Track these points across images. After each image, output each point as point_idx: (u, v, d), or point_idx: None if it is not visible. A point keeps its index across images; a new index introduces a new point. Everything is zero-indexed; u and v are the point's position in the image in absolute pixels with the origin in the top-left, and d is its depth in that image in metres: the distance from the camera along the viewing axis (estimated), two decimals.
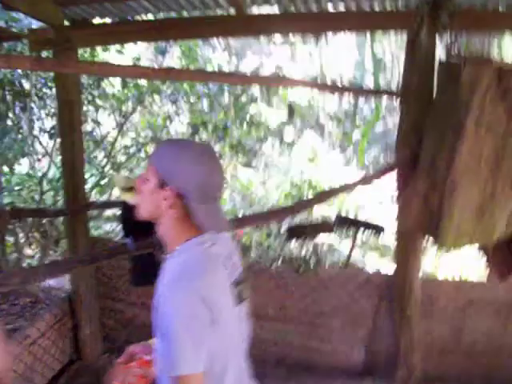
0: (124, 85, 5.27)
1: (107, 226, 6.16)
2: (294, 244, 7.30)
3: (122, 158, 6.00)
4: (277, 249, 7.80)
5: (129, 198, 2.21)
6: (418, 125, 3.44)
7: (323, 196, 3.29)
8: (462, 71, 3.04)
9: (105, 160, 5.91)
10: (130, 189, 2.21)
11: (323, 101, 7.26)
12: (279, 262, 7.15)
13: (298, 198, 8.55)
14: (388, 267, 7.54)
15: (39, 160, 6.29)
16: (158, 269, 2.50)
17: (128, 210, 2.27)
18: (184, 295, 1.62)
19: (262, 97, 6.07)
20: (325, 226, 3.62)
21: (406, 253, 3.66)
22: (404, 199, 3.40)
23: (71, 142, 3.92)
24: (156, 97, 5.76)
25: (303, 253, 7.47)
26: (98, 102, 5.42)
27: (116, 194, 5.92)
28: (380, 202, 9.91)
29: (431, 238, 3.39)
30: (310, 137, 9.70)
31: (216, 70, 5.58)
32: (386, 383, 3.88)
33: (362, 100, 5.64)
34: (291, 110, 6.03)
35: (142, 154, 6.22)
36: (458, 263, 5.73)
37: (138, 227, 2.30)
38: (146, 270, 2.44)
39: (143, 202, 1.79)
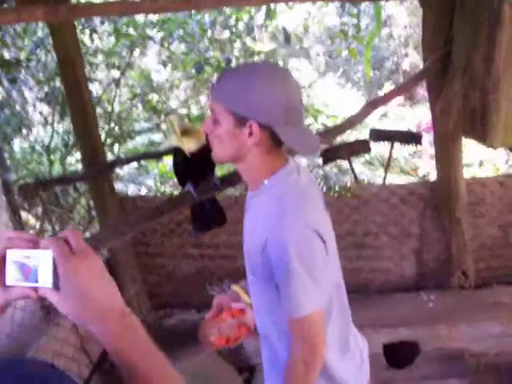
0: (117, 35, 5.01)
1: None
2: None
3: (123, 113, 5.79)
4: None
5: (185, 143, 2.03)
6: (444, 23, 3.27)
7: (352, 121, 3.12)
8: None
9: (105, 118, 5.69)
10: (185, 132, 2.04)
11: (320, 19, 7.01)
12: None
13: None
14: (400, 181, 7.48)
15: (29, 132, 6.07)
16: (221, 212, 2.40)
17: (181, 156, 2.12)
18: (298, 231, 1.50)
19: (252, 26, 5.83)
20: (361, 145, 3.47)
21: (448, 155, 3.56)
22: (442, 102, 3.25)
23: (80, 102, 3.72)
24: (148, 44, 5.51)
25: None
26: (91, 58, 5.18)
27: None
28: (382, 114, 9.74)
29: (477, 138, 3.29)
30: (304, 62, 9.45)
31: None
32: (443, 291, 3.85)
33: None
34: (287, 36, 5.77)
35: (139, 106, 6.02)
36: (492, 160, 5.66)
37: (194, 172, 2.17)
38: (209, 214, 2.33)
39: (222, 146, 1.59)
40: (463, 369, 3.46)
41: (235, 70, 1.63)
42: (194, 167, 2.08)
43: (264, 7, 5.29)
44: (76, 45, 3.71)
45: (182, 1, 2.34)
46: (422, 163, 7.59)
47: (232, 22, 5.45)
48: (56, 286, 0.86)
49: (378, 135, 3.56)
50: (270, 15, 5.16)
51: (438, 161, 3.66)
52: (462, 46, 3.12)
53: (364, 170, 7.51)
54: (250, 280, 1.78)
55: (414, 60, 11.40)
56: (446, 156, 3.57)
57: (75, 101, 3.73)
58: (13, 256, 0.88)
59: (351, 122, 2.87)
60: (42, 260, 0.87)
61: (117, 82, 5.46)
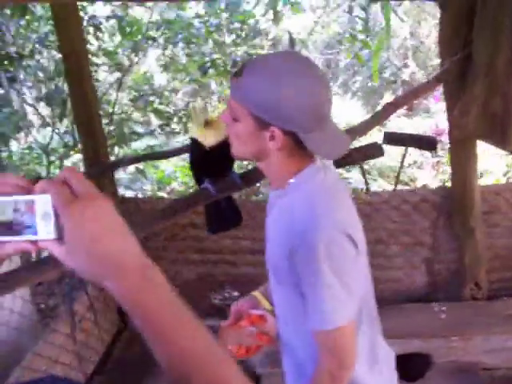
0: (122, 32, 4.89)
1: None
2: None
3: (123, 114, 5.67)
4: None
5: (206, 135, 1.90)
6: (463, 25, 3.18)
7: (371, 122, 3.01)
8: None
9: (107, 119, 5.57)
10: (207, 124, 1.91)
11: (326, 24, 6.89)
12: None
13: None
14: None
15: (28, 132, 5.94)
16: (237, 211, 2.27)
17: (199, 150, 1.99)
18: (328, 234, 1.37)
19: (258, 30, 5.74)
20: (373, 149, 3.34)
21: (464, 162, 3.46)
22: (461, 106, 3.15)
23: (84, 99, 3.61)
24: (151, 45, 5.40)
25: None
26: (94, 59, 5.07)
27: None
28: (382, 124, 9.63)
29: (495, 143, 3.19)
30: None
31: None
32: (455, 302, 3.73)
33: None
34: (292, 41, 5.69)
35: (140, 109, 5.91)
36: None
37: (212, 167, 2.05)
38: (225, 214, 2.20)
39: (241, 144, 1.47)
40: (476, 382, 3.35)
41: (259, 66, 1.42)
42: (212, 162, 1.96)
43: (271, 11, 5.18)
44: (81, 40, 3.61)
45: None
46: (422, 174, 7.49)
47: (237, 25, 5.37)
48: (59, 236, 0.72)
49: (392, 138, 3.43)
50: (277, 19, 5.06)
51: (452, 167, 3.56)
52: (483, 50, 3.03)
53: (362, 178, 7.39)
54: (272, 286, 1.65)
55: (413, 70, 11.37)
56: (461, 162, 3.47)
57: (79, 98, 3.63)
58: (1, 204, 0.73)
59: (370, 123, 2.77)
60: (40, 207, 0.72)
61: (119, 84, 5.34)
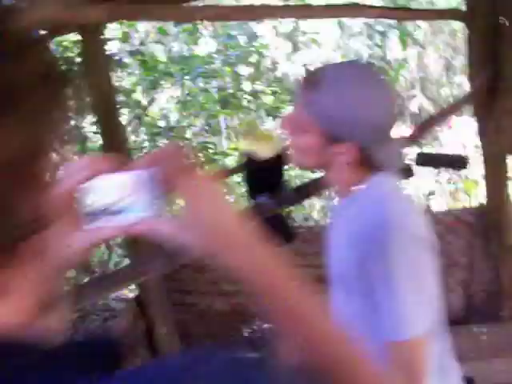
0: (145, 66, 4.92)
1: None
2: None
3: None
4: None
5: (261, 149, 1.88)
6: (490, 44, 3.21)
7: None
8: None
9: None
10: (260, 138, 1.89)
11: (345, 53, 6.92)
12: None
13: None
14: None
15: None
16: (288, 227, 2.24)
17: (252, 164, 1.97)
18: (402, 237, 1.33)
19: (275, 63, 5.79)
20: (404, 170, 3.31)
21: (497, 178, 3.44)
22: (494, 121, 3.16)
23: (113, 135, 3.59)
24: (170, 80, 5.44)
25: None
26: None
27: None
28: None
29: None
30: None
31: None
32: (494, 324, 3.66)
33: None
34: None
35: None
36: None
37: (265, 181, 2.03)
38: (275, 229, 2.16)
39: (305, 156, 1.45)
40: None
41: (335, 79, 1.39)
42: (266, 176, 1.94)
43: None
44: (108, 77, 3.59)
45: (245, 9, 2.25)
46: (437, 202, 7.44)
47: (255, 57, 5.42)
48: (163, 213, 0.68)
49: (425, 159, 3.43)
50: (295, 50, 5.12)
51: (486, 185, 3.54)
52: None
53: None
54: (339, 299, 1.60)
55: (420, 101, 11.44)
56: (495, 179, 3.45)
57: (108, 135, 3.60)
58: (98, 184, 0.66)
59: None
60: (141, 184, 0.67)
61: (137, 121, 5.37)
